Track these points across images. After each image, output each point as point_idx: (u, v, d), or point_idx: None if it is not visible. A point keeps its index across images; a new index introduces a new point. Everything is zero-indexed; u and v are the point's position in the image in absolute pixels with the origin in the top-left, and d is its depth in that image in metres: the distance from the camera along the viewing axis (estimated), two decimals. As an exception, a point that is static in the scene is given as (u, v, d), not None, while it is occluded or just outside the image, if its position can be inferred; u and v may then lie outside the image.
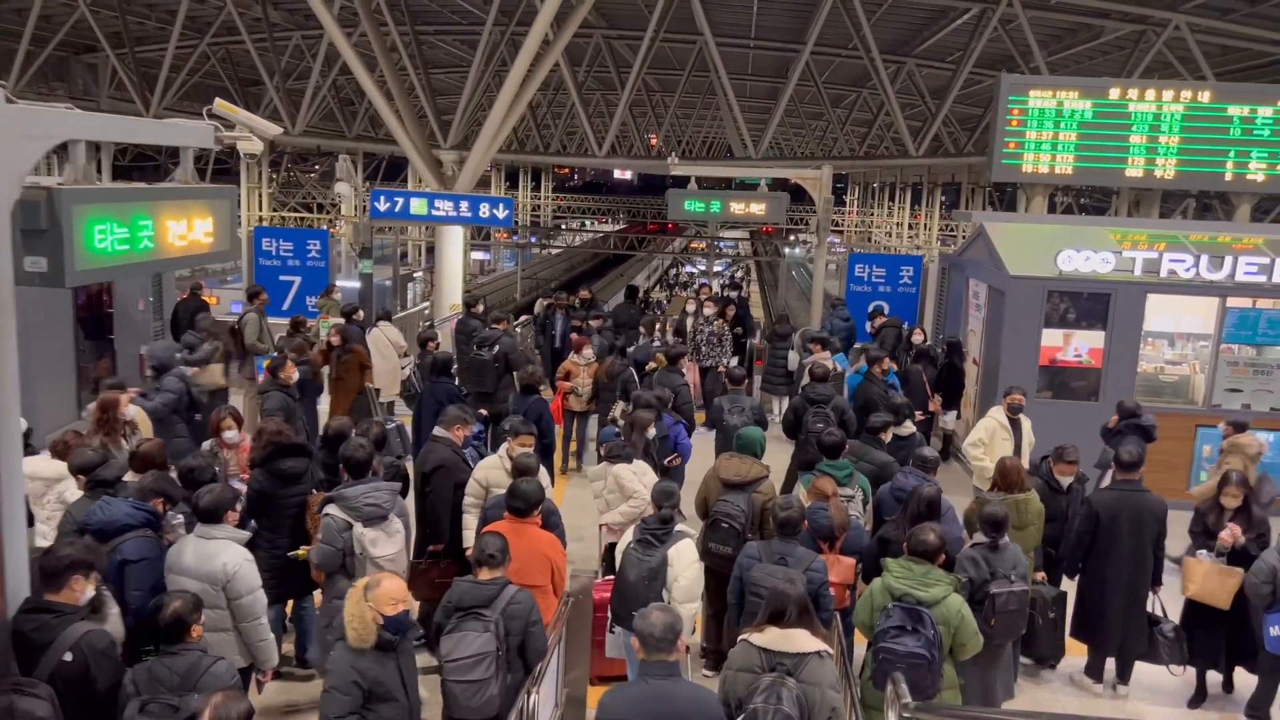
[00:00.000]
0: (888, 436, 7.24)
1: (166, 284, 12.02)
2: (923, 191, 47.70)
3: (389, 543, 5.21)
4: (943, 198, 47.44)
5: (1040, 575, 6.35)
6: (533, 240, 47.20)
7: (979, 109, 29.78)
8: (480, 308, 11.65)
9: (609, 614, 5.59)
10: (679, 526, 5.38)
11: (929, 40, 23.75)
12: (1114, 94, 11.40)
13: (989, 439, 7.94)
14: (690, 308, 12.71)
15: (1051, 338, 9.78)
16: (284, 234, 13.14)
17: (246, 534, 5.01)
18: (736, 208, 12.82)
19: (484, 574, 4.54)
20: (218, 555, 4.75)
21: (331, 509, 5.24)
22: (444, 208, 12.94)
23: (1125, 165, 11.57)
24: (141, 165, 43.69)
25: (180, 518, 5.22)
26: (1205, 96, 11.28)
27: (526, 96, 15.07)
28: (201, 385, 8.71)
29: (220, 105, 5.40)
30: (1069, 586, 6.62)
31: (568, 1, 17.32)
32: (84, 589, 4.11)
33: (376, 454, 6.18)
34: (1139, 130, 11.36)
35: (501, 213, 13.06)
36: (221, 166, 42.82)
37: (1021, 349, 9.73)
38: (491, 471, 6.12)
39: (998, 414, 8.10)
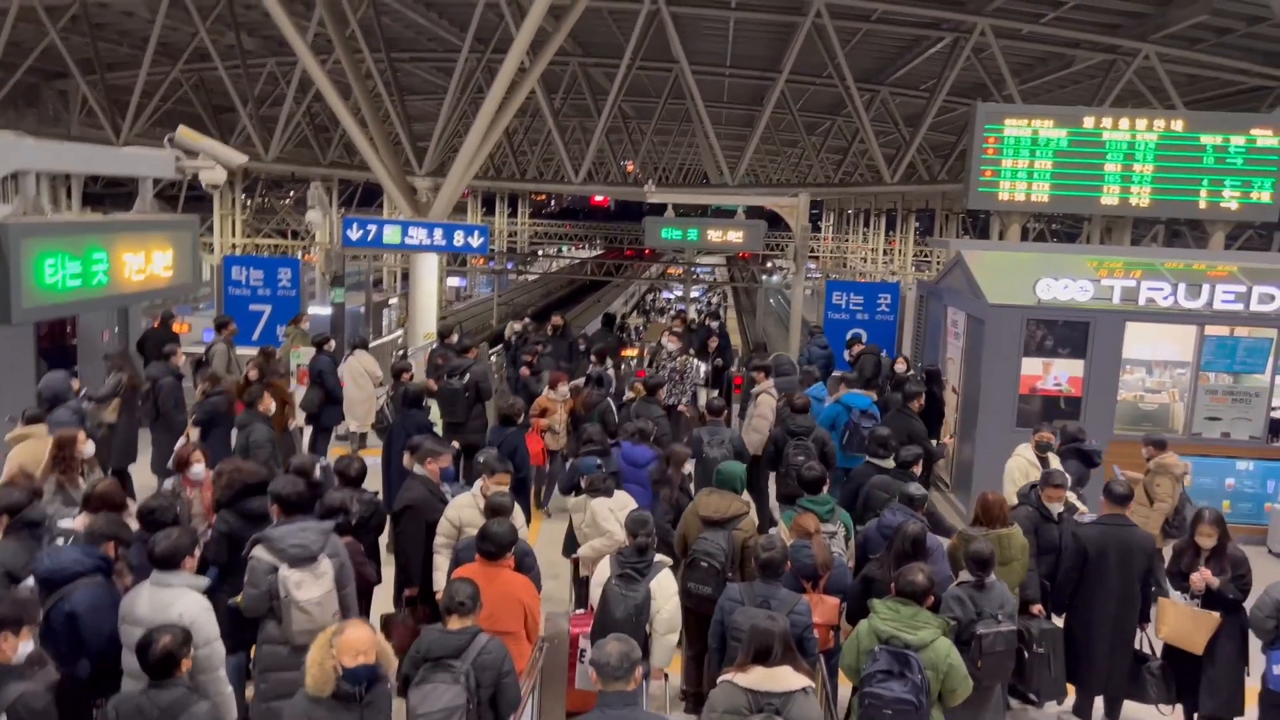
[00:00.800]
0: (919, 470, 7.08)
1: (132, 314, 11.73)
2: (897, 217, 48.16)
3: (315, 585, 4.92)
4: (916, 223, 47.94)
5: (1038, 609, 6.15)
6: (509, 266, 47.04)
7: (952, 136, 30.10)
8: (455, 338, 11.44)
9: (587, 647, 5.42)
10: (657, 557, 5.36)
11: (903, 69, 24.00)
12: (1089, 123, 11.46)
13: (1021, 479, 7.55)
14: (665, 340, 12.55)
15: (1031, 366, 9.73)
16: (254, 262, 12.90)
17: (205, 581, 4.76)
18: (714, 236, 12.74)
19: (454, 622, 4.34)
20: (173, 604, 4.51)
21: (257, 550, 4.98)
22: (418, 236, 12.76)
23: (1100, 194, 11.62)
24: (114, 192, 43.19)
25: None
26: (1179, 126, 11.37)
27: (502, 123, 14.99)
28: (100, 420, 8.20)
29: (183, 133, 5.24)
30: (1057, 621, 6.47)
31: (544, 29, 17.31)
32: (15, 646, 3.86)
33: (353, 492, 5.98)
34: (1114, 159, 11.42)
35: (476, 240, 12.89)
36: (195, 193, 42.47)
37: (1002, 378, 9.67)
38: (465, 511, 5.90)
39: (1026, 451, 7.79)
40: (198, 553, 4.83)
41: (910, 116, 27.28)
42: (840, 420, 8.96)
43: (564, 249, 58.74)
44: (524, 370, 9.76)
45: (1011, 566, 6.04)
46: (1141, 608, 6.13)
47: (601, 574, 5.45)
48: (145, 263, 4.66)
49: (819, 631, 5.23)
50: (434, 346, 11.98)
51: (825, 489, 6.29)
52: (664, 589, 5.24)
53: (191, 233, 5.31)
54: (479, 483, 6.00)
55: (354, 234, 12.45)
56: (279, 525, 5.12)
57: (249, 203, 43.85)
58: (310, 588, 4.89)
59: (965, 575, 5.34)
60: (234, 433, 7.94)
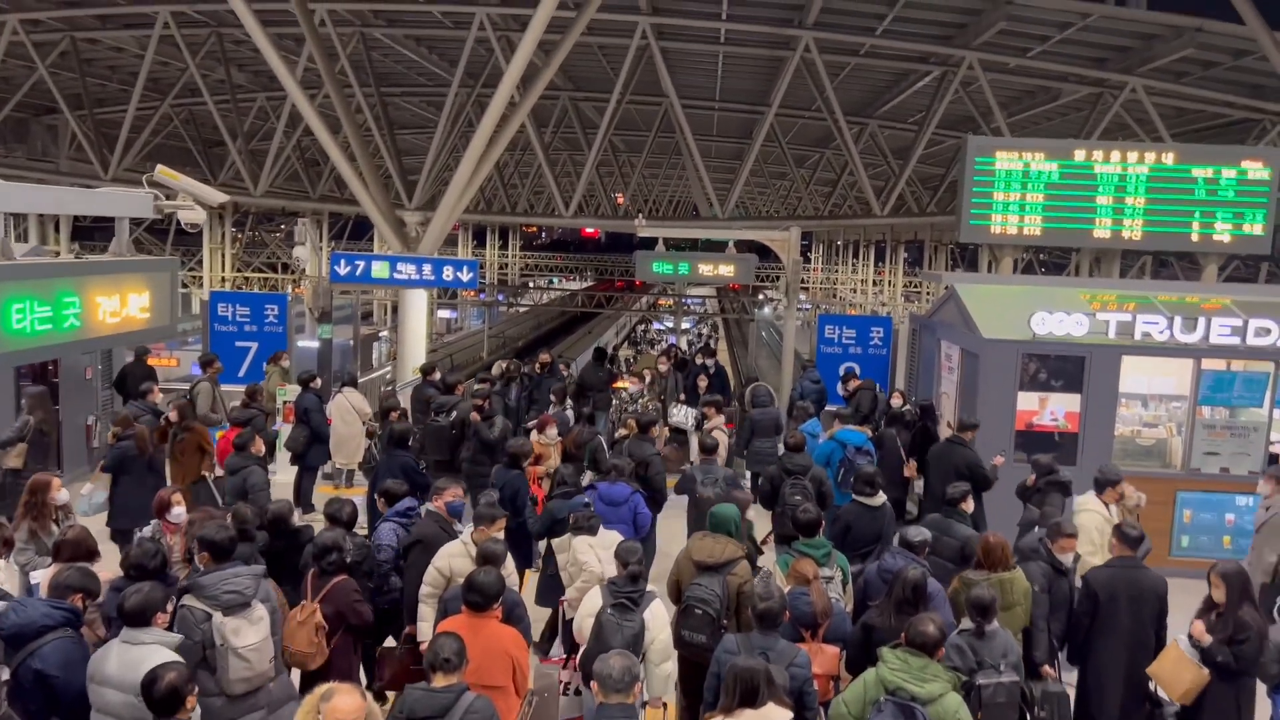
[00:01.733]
0: (969, 507, 6.89)
1: (116, 352, 11.54)
2: (886, 249, 48.39)
3: (252, 631, 4.77)
4: (905, 255, 48.17)
5: (1048, 670, 5.86)
6: (500, 299, 46.99)
7: (941, 168, 30.28)
8: (438, 375, 11.25)
9: (574, 675, 5.47)
10: (649, 587, 5.35)
11: (891, 102, 24.14)
12: (1079, 155, 11.46)
13: (1101, 540, 7.02)
14: (662, 366, 12.34)
15: (1027, 401, 9.62)
16: (240, 299, 12.73)
17: (177, 638, 4.56)
18: (705, 269, 12.66)
19: (439, 679, 4.15)
20: (143, 663, 4.31)
21: (188, 599, 4.81)
22: (406, 271, 12.63)
23: (1093, 226, 11.58)
24: (104, 225, 43.05)
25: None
26: (1170, 158, 11.37)
27: (492, 157, 14.95)
28: (3, 465, 7.90)
29: (162, 172, 5.12)
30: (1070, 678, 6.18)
31: (534, 64, 17.34)
32: None
33: (345, 534, 5.80)
34: (1105, 192, 11.40)
35: (465, 275, 12.77)
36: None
37: (997, 413, 9.55)
38: (456, 560, 5.67)
39: (1094, 504, 7.31)
40: (170, 607, 4.64)
41: (899, 149, 27.43)
42: (835, 457, 8.81)
43: (554, 281, 58.77)
44: (474, 415, 9.39)
45: (1014, 612, 5.85)
46: (1155, 652, 5.90)
47: (591, 605, 5.36)
48: (120, 305, 4.52)
49: (819, 682, 5.05)
50: (417, 383, 11.79)
51: (821, 532, 6.13)
52: (658, 618, 5.25)
53: (170, 274, 5.17)
54: (468, 531, 5.81)
55: (342, 269, 12.32)
56: (208, 572, 4.96)
57: (239, 237, 43.76)
58: (247, 634, 4.75)
59: (966, 622, 5.17)
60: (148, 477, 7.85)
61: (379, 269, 12.51)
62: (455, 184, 14.31)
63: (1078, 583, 6.22)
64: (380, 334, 31.63)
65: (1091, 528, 7.09)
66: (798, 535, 6.11)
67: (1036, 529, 6.93)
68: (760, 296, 37.15)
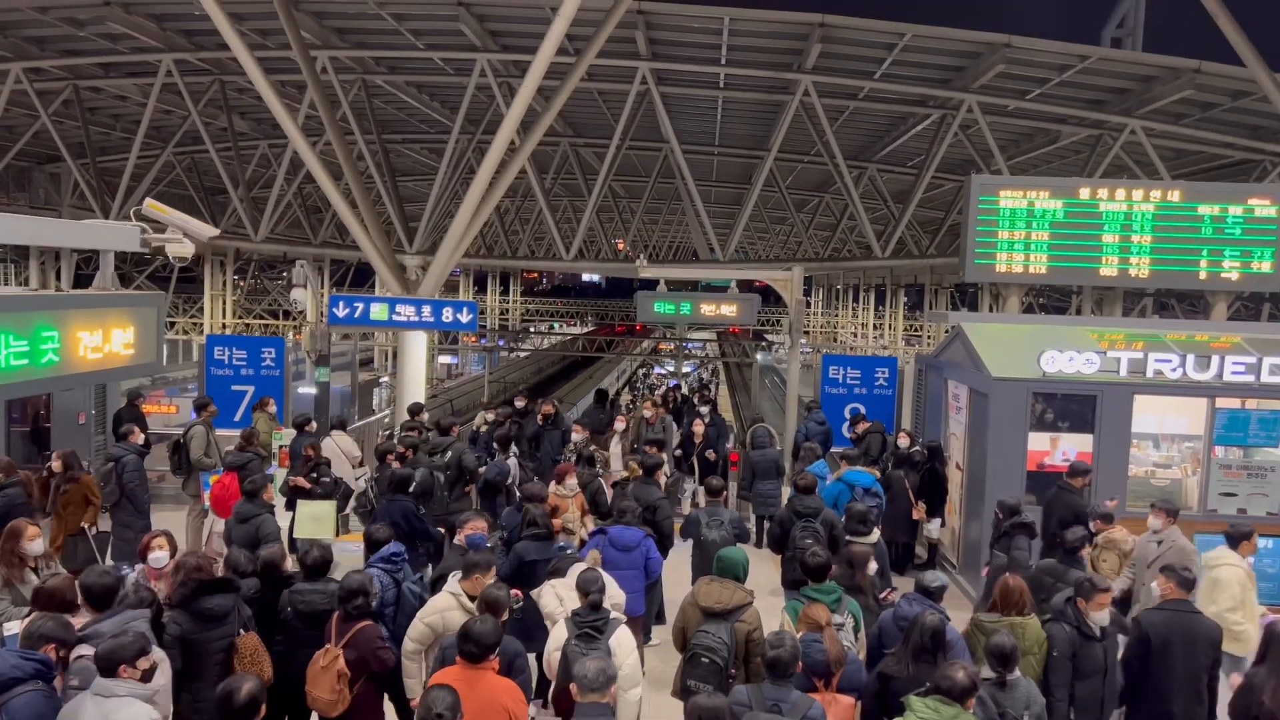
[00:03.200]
0: (1088, 554, 6.64)
1: (111, 395, 11.36)
2: (886, 292, 48.42)
3: (160, 675, 4.57)
4: (905, 299, 48.19)
5: None
6: (501, 344, 46.88)
7: (940, 212, 30.35)
8: (424, 415, 11.03)
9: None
10: (613, 615, 5.32)
11: (890, 145, 24.26)
12: (1084, 193, 11.37)
13: (1244, 596, 6.68)
14: (647, 412, 11.88)
15: (1038, 441, 9.39)
16: (237, 342, 12.59)
17: (152, 689, 4.31)
18: (707, 309, 12.51)
19: (430, 737, 3.90)
20: (114, 716, 4.06)
21: (82, 648, 4.59)
22: (405, 312, 12.48)
23: (1099, 265, 11.46)
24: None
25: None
26: (1175, 196, 11.28)
27: (492, 201, 14.90)
28: None
29: (150, 205, 4.97)
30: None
31: (534, 109, 17.41)
32: None
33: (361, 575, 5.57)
34: (1111, 230, 11.29)
35: (465, 317, 12.62)
36: (186, 274, 42.45)
37: (1008, 453, 9.32)
38: (449, 615, 5.31)
39: (1232, 557, 6.87)
40: (147, 661, 4.38)
41: (898, 193, 27.53)
42: (843, 499, 8.57)
43: (555, 326, 58.79)
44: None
45: (1026, 660, 5.56)
46: (1209, 704, 5.61)
47: (557, 638, 5.29)
48: (103, 341, 4.35)
49: (833, 736, 4.78)
50: (404, 422, 11.54)
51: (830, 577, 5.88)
52: (623, 645, 5.21)
53: (156, 309, 5.01)
54: (454, 582, 5.51)
55: (341, 311, 12.17)
56: (93, 623, 4.77)
57: (240, 284, 43.84)
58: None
59: (985, 671, 4.91)
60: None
61: (378, 311, 12.36)
62: (455, 227, 14.25)
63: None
64: (380, 380, 31.45)
65: (1232, 580, 6.72)
66: (807, 580, 5.87)
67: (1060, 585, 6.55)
68: (762, 341, 37.04)
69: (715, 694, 4.30)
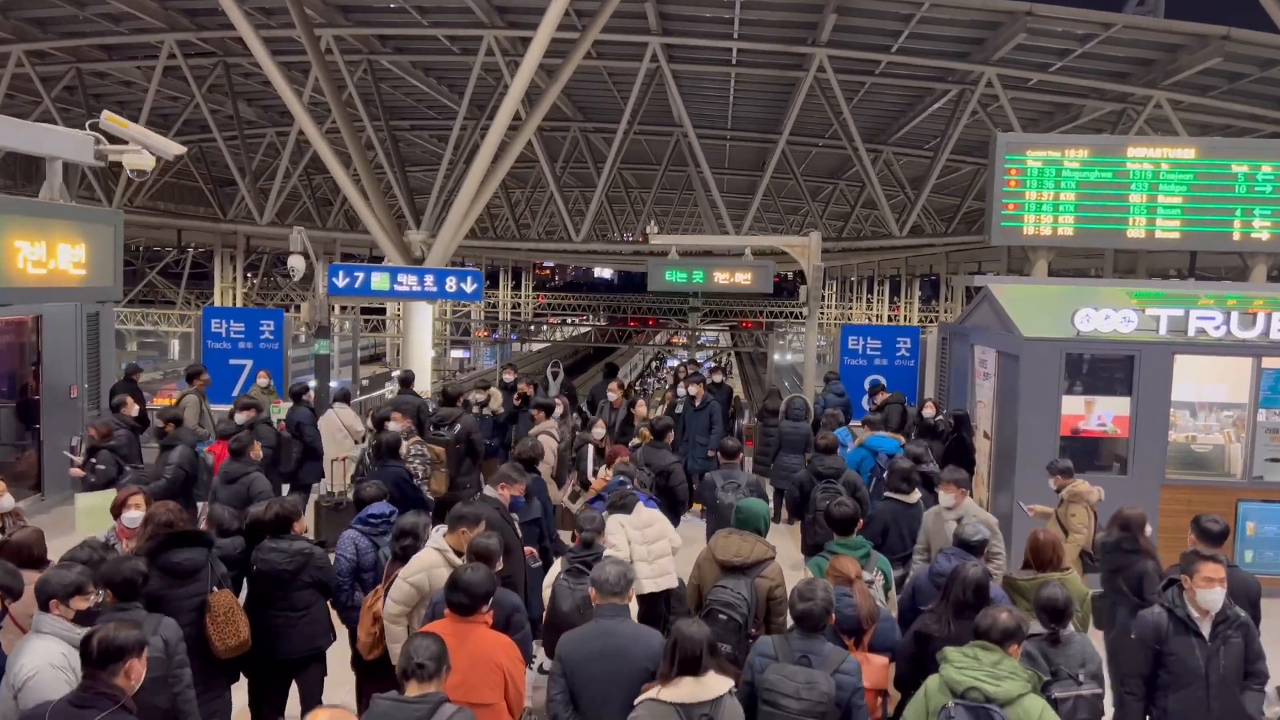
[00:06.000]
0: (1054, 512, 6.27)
1: (106, 370, 11.00)
2: (901, 283, 47.86)
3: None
4: (920, 292, 47.60)
5: None
6: (513, 337, 46.52)
7: (956, 198, 29.81)
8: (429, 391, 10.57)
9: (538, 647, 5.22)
10: (607, 551, 5.20)
11: (906, 126, 23.75)
12: (1112, 152, 10.84)
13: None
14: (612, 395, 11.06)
15: (1072, 405, 8.87)
16: (235, 314, 12.19)
17: (79, 631, 3.83)
18: (721, 277, 11.99)
19: (412, 688, 3.46)
20: (20, 653, 3.66)
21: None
22: (408, 282, 12.00)
23: (1126, 226, 10.91)
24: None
25: None
26: (1205, 153, 10.70)
27: (499, 174, 14.50)
28: None
29: (109, 118, 4.55)
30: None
31: (541, 84, 17.01)
32: None
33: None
34: (1139, 189, 10.73)
35: (470, 286, 12.13)
36: (199, 270, 42.30)
37: (1040, 419, 8.80)
38: (435, 572, 4.82)
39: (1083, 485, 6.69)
40: (82, 600, 3.95)
41: (914, 179, 26.99)
42: (866, 466, 8.10)
43: (567, 321, 58.44)
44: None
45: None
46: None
47: (553, 574, 5.25)
48: (47, 255, 3.94)
49: (866, 697, 4.30)
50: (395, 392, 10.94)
51: (858, 531, 5.42)
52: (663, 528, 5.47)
53: (113, 228, 4.60)
54: (439, 536, 5.04)
55: (341, 281, 11.71)
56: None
57: (252, 279, 43.65)
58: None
59: (1036, 627, 4.43)
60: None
61: (379, 280, 11.88)
62: (461, 198, 13.82)
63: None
64: (393, 374, 31.14)
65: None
66: (831, 537, 5.40)
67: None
68: (775, 334, 36.51)
69: (792, 659, 4.02)
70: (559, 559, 5.30)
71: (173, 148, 5.54)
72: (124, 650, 3.43)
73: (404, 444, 7.72)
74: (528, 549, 5.89)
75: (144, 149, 5.12)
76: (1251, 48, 15.87)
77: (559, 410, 9.77)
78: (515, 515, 5.92)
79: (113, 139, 4.79)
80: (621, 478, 6.37)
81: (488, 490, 5.91)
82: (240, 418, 8.43)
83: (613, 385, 10.52)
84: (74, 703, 3.36)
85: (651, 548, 5.85)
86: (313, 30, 16.76)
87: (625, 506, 5.88)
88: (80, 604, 3.87)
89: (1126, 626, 4.98)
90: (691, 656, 3.65)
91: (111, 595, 4.17)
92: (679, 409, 10.47)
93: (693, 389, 10.38)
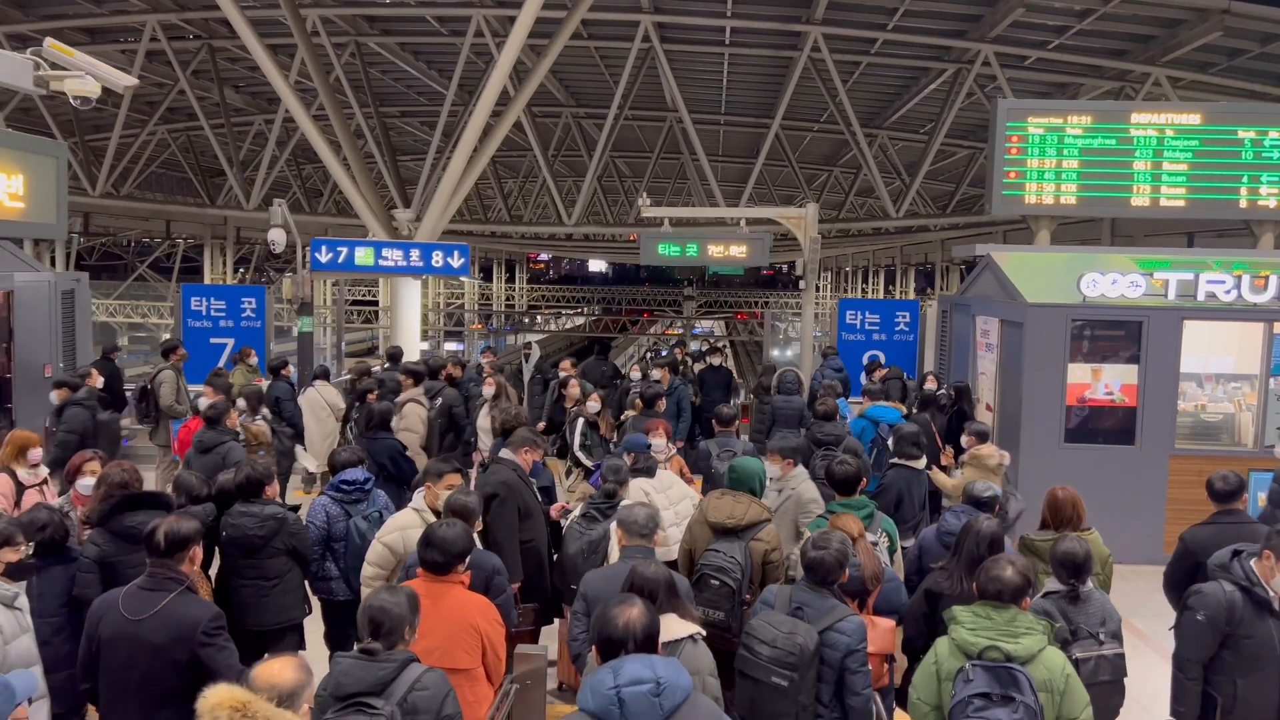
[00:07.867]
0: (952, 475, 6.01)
1: (82, 348, 10.68)
2: (896, 273, 47.58)
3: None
4: (915, 283, 47.30)
5: None
6: (508, 329, 46.21)
7: (951, 184, 29.55)
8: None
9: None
10: (625, 501, 5.15)
11: (902, 109, 23.45)
12: (1116, 117, 10.55)
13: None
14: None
15: (1078, 373, 8.60)
16: (215, 291, 11.85)
17: (12, 592, 3.54)
18: (715, 251, 11.66)
19: (373, 644, 3.16)
20: None
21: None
22: (393, 257, 11.62)
23: (1130, 194, 10.61)
24: (112, 263, 42.72)
25: None
26: (1211, 119, 10.42)
27: (488, 151, 14.15)
28: None
29: (53, 46, 4.23)
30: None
31: (530, 63, 16.68)
32: None
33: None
34: (1143, 156, 10.43)
35: (456, 261, 11.77)
36: (190, 264, 41.89)
37: (1045, 387, 8.53)
38: (410, 532, 4.59)
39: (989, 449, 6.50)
40: (12, 552, 3.69)
41: (910, 164, 26.73)
42: (867, 436, 7.81)
43: (562, 314, 58.17)
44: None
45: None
46: None
47: (572, 516, 5.36)
48: (-20, 184, 3.66)
49: (871, 663, 4.01)
50: (385, 368, 10.71)
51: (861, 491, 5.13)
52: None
53: (57, 161, 4.30)
54: (419, 496, 4.77)
55: (324, 256, 11.35)
56: None
57: (243, 273, 43.25)
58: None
59: (1054, 583, 4.15)
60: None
61: (363, 255, 11.49)
62: (450, 174, 13.46)
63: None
64: (373, 369, 30.85)
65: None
66: (834, 496, 5.11)
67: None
68: (772, 325, 36.22)
69: (788, 609, 3.86)
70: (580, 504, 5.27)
71: (123, 78, 5.22)
72: (188, 540, 3.82)
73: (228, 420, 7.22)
74: (556, 506, 5.81)
75: (88, 76, 4.79)
76: (1252, 21, 15.59)
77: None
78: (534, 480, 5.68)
79: (55, 66, 4.49)
80: (645, 439, 6.25)
81: (505, 453, 5.63)
82: (54, 397, 8.21)
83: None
84: (144, 587, 3.72)
85: (678, 509, 5.73)
86: (298, 10, 16.43)
87: (649, 470, 5.81)
88: (10, 555, 3.56)
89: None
90: (646, 595, 3.39)
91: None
92: None
93: (656, 373, 10.10)
